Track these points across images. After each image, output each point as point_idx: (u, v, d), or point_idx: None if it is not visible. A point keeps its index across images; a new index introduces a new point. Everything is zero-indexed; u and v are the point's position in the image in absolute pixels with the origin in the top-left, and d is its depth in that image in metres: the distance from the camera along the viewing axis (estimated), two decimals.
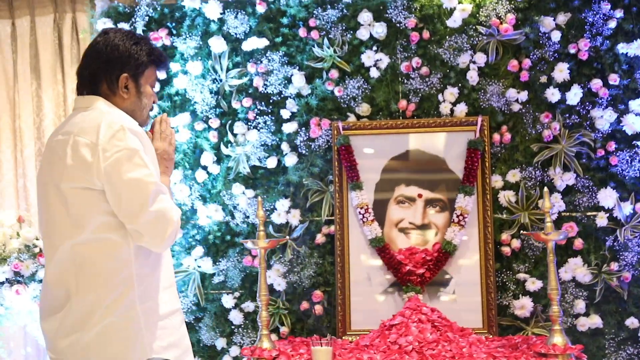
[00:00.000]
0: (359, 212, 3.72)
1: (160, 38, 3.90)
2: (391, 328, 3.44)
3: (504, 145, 3.76)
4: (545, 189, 3.32)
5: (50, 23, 4.41)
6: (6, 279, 3.69)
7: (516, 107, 3.74)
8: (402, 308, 3.52)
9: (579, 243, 3.66)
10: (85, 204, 2.40)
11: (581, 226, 3.69)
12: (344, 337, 3.66)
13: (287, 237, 3.79)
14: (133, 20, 3.94)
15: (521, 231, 3.66)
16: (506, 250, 3.69)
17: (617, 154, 3.69)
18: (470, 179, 3.67)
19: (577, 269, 3.66)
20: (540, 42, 3.73)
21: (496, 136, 3.75)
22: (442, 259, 3.66)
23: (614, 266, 3.63)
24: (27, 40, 4.48)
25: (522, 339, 3.46)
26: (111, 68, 2.54)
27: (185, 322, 3.80)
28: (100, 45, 2.58)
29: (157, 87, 3.85)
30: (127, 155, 2.38)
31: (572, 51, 3.70)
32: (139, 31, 3.90)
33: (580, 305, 3.65)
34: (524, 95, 3.72)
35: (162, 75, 3.74)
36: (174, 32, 3.95)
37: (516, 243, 3.70)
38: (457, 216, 3.66)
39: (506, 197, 3.70)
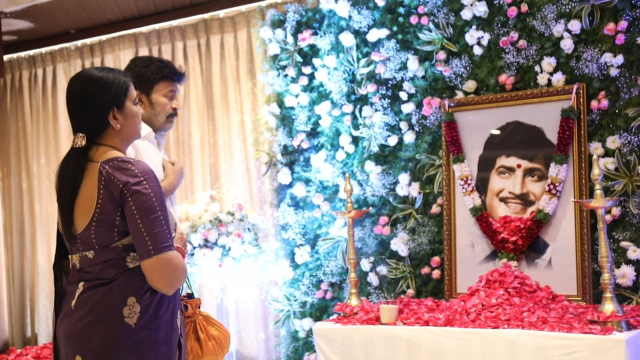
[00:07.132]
0: (460, 183, 3.97)
1: (305, 39, 4.53)
2: (475, 292, 3.67)
3: (602, 112, 3.68)
4: (594, 155, 3.25)
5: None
6: (198, 244, 4.67)
7: (613, 72, 3.63)
8: (487, 274, 3.71)
9: None
10: None
11: None
12: (450, 299, 3.95)
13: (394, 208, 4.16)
14: (285, 25, 4.63)
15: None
16: (606, 218, 3.62)
17: None
18: (562, 148, 3.68)
19: None
20: (633, 1, 3.57)
21: (593, 103, 3.68)
22: (534, 227, 3.74)
23: None
24: (244, 49, 5.46)
25: (592, 307, 3.43)
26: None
27: (333, 282, 4.44)
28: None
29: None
30: None
31: None
32: (289, 34, 4.58)
33: None
34: (619, 59, 3.60)
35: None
36: (318, 32, 4.55)
37: (615, 211, 3.61)
38: (549, 185, 3.71)
39: (603, 165, 3.62)
